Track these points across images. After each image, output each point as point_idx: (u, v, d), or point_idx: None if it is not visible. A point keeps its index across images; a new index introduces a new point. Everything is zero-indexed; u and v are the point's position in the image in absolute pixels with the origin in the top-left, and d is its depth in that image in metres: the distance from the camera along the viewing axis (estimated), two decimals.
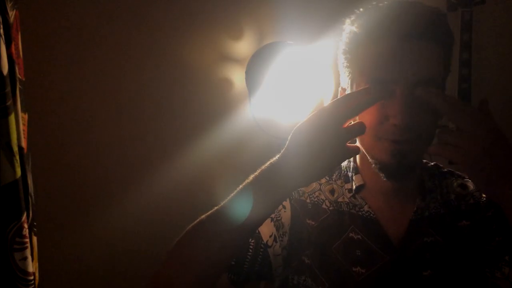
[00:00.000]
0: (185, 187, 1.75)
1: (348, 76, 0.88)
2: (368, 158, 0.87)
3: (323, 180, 0.98)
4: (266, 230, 0.91)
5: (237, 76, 1.80)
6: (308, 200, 0.95)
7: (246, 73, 1.70)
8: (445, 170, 1.00)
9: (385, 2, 0.84)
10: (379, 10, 0.83)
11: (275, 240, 0.91)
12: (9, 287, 1.07)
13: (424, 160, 0.98)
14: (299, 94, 1.61)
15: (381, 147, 0.83)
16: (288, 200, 0.95)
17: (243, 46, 1.80)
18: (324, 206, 0.94)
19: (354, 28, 0.85)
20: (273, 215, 0.93)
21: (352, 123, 0.74)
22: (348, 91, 0.89)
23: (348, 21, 0.88)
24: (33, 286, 1.12)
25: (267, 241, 0.91)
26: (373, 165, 0.86)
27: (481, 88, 1.95)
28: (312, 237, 0.91)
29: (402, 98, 0.79)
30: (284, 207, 0.94)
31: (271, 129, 1.72)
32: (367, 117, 0.82)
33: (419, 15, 0.80)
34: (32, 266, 1.12)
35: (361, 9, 0.87)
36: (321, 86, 1.63)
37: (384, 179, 0.85)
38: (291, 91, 1.60)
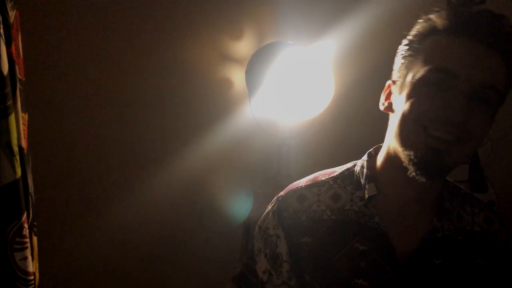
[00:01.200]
0: (185, 186, 1.75)
1: (405, 65, 0.86)
2: (401, 150, 0.84)
3: (324, 188, 0.94)
4: (261, 267, 0.94)
5: (237, 76, 1.80)
6: (304, 217, 0.91)
7: (246, 73, 1.70)
8: (468, 193, 0.96)
9: (472, 7, 0.84)
10: (463, 11, 0.82)
11: (270, 274, 0.93)
12: (9, 287, 1.08)
13: (447, 178, 0.93)
14: (299, 94, 1.61)
15: (421, 138, 0.80)
16: (280, 227, 0.92)
17: (243, 46, 1.80)
18: (325, 216, 0.91)
19: (433, 18, 0.84)
20: (267, 250, 0.93)
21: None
22: (398, 83, 0.87)
23: (424, 16, 0.86)
24: (33, 286, 1.12)
25: (262, 278, 0.94)
26: (404, 157, 0.82)
27: None
28: (311, 254, 0.89)
29: (463, 96, 0.78)
30: (278, 236, 0.92)
31: (271, 129, 1.72)
32: (420, 104, 0.80)
33: (502, 27, 0.80)
34: (32, 266, 1.12)
35: (444, 7, 0.85)
36: (321, 86, 1.63)
37: (412, 174, 0.82)
38: (291, 91, 1.60)
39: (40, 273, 1.22)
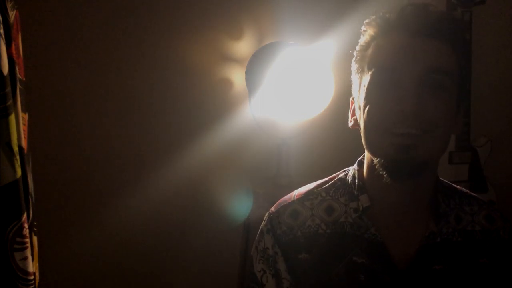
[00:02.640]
0: (185, 186, 1.75)
1: (357, 79, 0.88)
2: (374, 160, 0.84)
3: (317, 201, 0.92)
4: None
5: (237, 76, 1.80)
6: (299, 234, 0.89)
7: (246, 73, 1.70)
8: (465, 192, 0.95)
9: (397, 6, 0.84)
10: (389, 11, 0.84)
11: None
12: (9, 287, 1.08)
13: (441, 178, 0.93)
14: (299, 94, 1.61)
15: (387, 141, 0.80)
16: (277, 245, 0.90)
17: (243, 46, 1.80)
18: (320, 231, 0.88)
19: (364, 29, 0.87)
20: (272, 270, 0.90)
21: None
22: (356, 95, 0.88)
23: (363, 30, 0.88)
24: (33, 286, 1.12)
25: None
26: (377, 165, 0.82)
27: (481, 88, 1.95)
28: (310, 270, 0.87)
29: (411, 85, 0.79)
30: (276, 253, 0.90)
31: (271, 129, 1.72)
32: (375, 108, 0.81)
33: (429, 15, 0.82)
34: (32, 266, 1.12)
35: (373, 16, 0.88)
36: (321, 86, 1.64)
37: (388, 180, 0.81)
38: (291, 91, 1.60)
39: (40, 273, 1.22)
